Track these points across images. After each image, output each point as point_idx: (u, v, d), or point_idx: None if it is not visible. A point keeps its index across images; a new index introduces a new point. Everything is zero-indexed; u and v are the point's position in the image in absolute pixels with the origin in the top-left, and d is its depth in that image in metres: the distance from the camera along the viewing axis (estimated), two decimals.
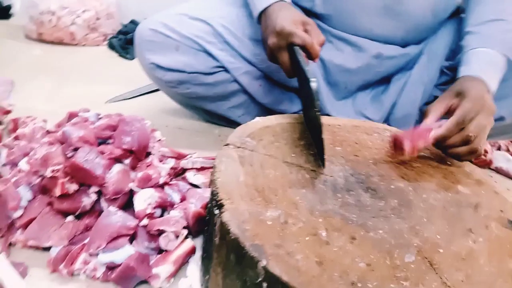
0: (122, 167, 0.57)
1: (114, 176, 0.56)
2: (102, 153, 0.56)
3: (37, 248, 0.53)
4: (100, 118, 0.63)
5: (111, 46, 1.40)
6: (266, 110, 0.93)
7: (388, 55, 0.87)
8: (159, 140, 0.71)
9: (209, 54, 0.82)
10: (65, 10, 1.26)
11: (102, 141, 0.60)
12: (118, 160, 0.58)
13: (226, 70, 0.84)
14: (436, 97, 0.91)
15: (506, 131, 0.92)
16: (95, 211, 0.56)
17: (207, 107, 0.91)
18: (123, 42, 1.41)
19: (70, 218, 0.55)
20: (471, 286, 0.41)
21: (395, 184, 0.56)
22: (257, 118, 0.67)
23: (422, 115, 0.93)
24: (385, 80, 0.94)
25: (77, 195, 0.55)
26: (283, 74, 0.91)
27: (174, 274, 0.54)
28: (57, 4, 1.23)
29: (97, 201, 0.57)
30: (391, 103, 0.92)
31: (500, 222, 0.53)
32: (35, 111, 0.82)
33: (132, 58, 1.28)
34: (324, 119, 0.73)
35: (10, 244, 0.55)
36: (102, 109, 0.84)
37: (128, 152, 0.59)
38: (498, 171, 1.02)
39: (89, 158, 0.54)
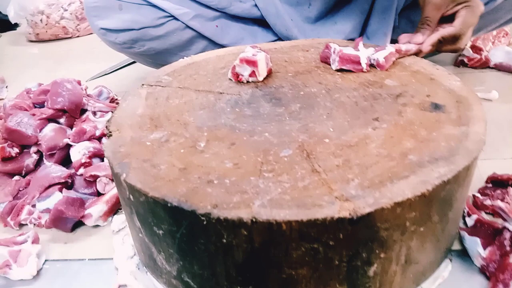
0: (55, 125, 0.62)
1: (48, 134, 0.60)
2: (34, 115, 0.61)
3: None
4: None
5: None
6: None
7: None
8: (113, 99, 0.75)
9: (153, 6, 0.82)
10: (52, 6, 1.34)
11: (41, 105, 0.65)
12: (53, 120, 0.63)
13: (175, 18, 0.84)
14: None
15: (496, 18, 0.82)
16: (39, 169, 0.62)
17: (171, 61, 0.92)
18: None
19: (16, 177, 0.61)
20: (345, 169, 0.39)
21: (306, 90, 0.54)
22: (186, 58, 0.68)
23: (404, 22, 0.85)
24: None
25: (20, 157, 0.61)
26: (241, 6, 0.88)
27: (111, 213, 0.58)
28: (44, 3, 1.32)
29: (41, 161, 0.62)
30: (362, 10, 0.85)
31: (420, 106, 0.49)
32: None
33: None
34: (260, 45, 0.72)
35: None
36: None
37: (62, 112, 0.63)
38: (499, 68, 0.91)
39: (21, 121, 0.59)
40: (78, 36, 1.43)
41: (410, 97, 0.51)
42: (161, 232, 0.40)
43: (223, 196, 0.37)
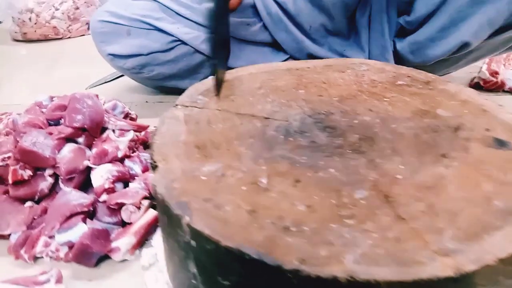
0: (74, 146, 0.55)
1: (66, 155, 0.54)
2: (51, 134, 0.55)
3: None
4: (53, 101, 0.62)
5: None
6: None
7: None
8: (128, 114, 0.69)
9: (161, 30, 0.80)
10: (42, 5, 1.25)
11: (56, 122, 0.58)
12: (71, 139, 0.56)
13: (184, 42, 0.82)
14: (402, 27, 0.84)
15: (495, 47, 0.83)
16: (54, 194, 0.55)
17: (181, 85, 0.89)
18: None
19: (29, 203, 0.54)
20: (432, 216, 0.36)
21: (359, 119, 0.51)
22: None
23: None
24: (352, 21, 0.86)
25: (33, 180, 0.54)
26: (249, 29, 0.87)
27: (139, 246, 0.53)
28: (34, 1, 1.23)
29: (56, 184, 0.56)
30: (367, 41, 0.85)
31: (483, 142, 0.47)
32: (19, 106, 0.83)
33: None
34: (292, 63, 0.68)
35: None
36: None
37: (81, 130, 0.57)
38: None
39: (37, 141, 0.53)
40: (69, 37, 1.34)
41: (469, 131, 0.48)
42: (226, 282, 0.35)
43: (307, 248, 0.33)
